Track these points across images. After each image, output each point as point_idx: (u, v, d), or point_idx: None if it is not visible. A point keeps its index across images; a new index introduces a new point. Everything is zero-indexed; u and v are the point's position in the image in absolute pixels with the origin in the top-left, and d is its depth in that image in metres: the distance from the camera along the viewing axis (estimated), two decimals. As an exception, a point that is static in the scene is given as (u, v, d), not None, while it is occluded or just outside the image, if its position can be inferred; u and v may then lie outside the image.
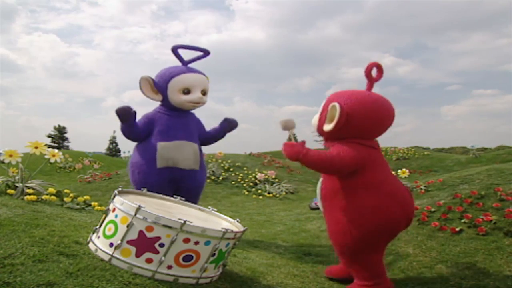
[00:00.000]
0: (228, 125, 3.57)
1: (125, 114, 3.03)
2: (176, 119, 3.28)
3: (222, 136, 3.62)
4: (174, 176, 3.19)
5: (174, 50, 3.35)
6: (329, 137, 2.46)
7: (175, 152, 3.16)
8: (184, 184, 3.27)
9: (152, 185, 2.96)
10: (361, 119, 2.29)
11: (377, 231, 2.27)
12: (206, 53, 3.43)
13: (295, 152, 2.25)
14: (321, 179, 2.56)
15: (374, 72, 2.47)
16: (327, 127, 2.36)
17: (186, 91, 3.22)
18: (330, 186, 2.42)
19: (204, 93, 3.33)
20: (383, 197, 2.26)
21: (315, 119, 2.54)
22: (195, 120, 3.49)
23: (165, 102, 3.27)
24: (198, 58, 3.44)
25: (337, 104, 2.24)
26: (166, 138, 3.17)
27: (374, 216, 2.24)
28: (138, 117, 3.25)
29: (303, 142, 2.33)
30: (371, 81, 2.45)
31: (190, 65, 3.41)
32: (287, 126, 2.53)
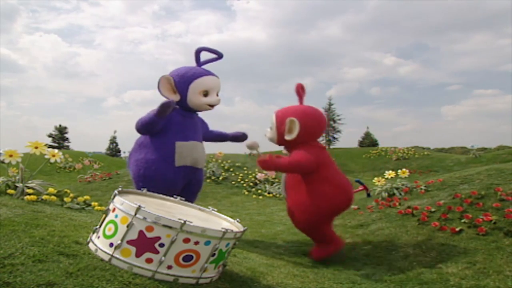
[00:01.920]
0: (241, 138, 3.90)
1: (167, 110, 3.03)
2: (189, 120, 3.36)
3: (223, 140, 3.87)
4: (188, 174, 3.29)
5: (198, 52, 3.42)
6: (290, 143, 3.28)
7: (193, 152, 3.26)
8: (192, 181, 3.39)
9: (168, 182, 3.09)
10: (312, 127, 3.23)
11: (329, 210, 3.21)
12: (220, 56, 3.52)
13: (267, 164, 3.05)
14: (284, 174, 3.44)
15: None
16: (289, 136, 3.21)
17: (205, 94, 3.30)
18: (293, 179, 3.30)
19: (217, 95, 3.43)
20: (333, 187, 3.17)
21: (273, 133, 3.35)
22: (200, 120, 3.59)
23: (181, 102, 3.30)
24: (211, 61, 3.52)
25: (295, 119, 3.13)
26: (183, 138, 3.24)
27: (327, 201, 3.15)
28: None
29: (271, 155, 3.06)
30: (301, 97, 3.39)
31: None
32: (252, 147, 3.38)
